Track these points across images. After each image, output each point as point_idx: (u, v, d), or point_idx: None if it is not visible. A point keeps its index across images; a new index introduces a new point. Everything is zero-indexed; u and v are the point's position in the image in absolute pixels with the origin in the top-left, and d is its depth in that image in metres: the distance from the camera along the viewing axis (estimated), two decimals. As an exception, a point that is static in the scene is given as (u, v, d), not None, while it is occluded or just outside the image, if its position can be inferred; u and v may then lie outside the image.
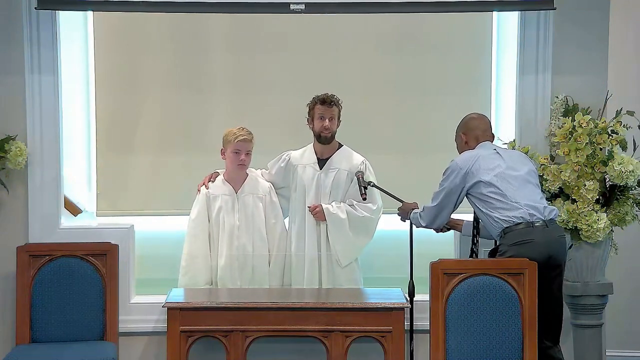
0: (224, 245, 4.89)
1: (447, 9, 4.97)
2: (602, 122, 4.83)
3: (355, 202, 4.90)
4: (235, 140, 4.84)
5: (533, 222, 4.38)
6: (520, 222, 4.38)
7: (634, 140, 4.88)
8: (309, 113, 4.94)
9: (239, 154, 4.87)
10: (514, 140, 5.05)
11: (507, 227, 4.40)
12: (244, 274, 4.90)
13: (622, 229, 4.91)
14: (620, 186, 4.80)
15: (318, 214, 4.90)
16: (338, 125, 4.94)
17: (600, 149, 4.82)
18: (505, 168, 4.50)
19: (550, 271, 4.41)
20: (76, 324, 4.77)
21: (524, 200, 4.42)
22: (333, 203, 4.91)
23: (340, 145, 5.02)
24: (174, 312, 4.49)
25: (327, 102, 4.87)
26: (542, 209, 4.43)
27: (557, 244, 4.44)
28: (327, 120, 4.88)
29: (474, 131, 4.68)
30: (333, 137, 4.94)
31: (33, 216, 5.01)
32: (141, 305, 5.08)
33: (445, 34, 5.34)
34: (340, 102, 4.92)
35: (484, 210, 4.46)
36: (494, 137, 4.76)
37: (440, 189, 4.56)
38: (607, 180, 4.84)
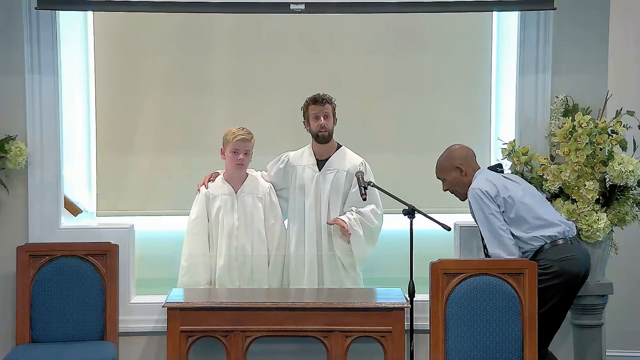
0: (223, 245, 4.89)
1: (447, 9, 4.96)
2: (602, 122, 4.83)
3: (361, 210, 4.89)
4: (234, 140, 4.84)
5: (570, 238, 4.50)
6: (560, 237, 4.47)
7: (634, 140, 4.88)
8: (304, 115, 4.95)
9: (237, 153, 4.86)
10: (514, 140, 5.05)
11: (546, 244, 4.45)
12: (242, 274, 4.90)
13: (622, 229, 4.90)
14: (620, 186, 4.80)
15: (344, 230, 4.86)
16: (335, 123, 4.94)
17: (600, 149, 4.82)
18: (526, 187, 4.59)
19: (580, 285, 4.51)
20: (76, 324, 4.77)
21: (555, 218, 4.49)
22: (348, 214, 4.90)
23: (339, 146, 5.02)
24: (174, 312, 4.49)
25: (318, 101, 4.88)
26: (571, 224, 4.56)
27: (589, 259, 4.58)
28: (322, 118, 4.88)
29: (469, 160, 4.71)
30: (331, 135, 4.94)
31: (33, 216, 5.01)
32: (141, 305, 5.07)
33: (445, 34, 5.34)
34: (333, 100, 4.91)
35: (520, 231, 4.47)
36: None
37: (485, 225, 4.49)
38: (607, 180, 4.84)
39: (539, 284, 4.35)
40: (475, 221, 4.58)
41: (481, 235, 4.61)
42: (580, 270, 4.46)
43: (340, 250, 4.92)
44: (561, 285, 4.42)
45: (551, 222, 4.49)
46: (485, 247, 4.61)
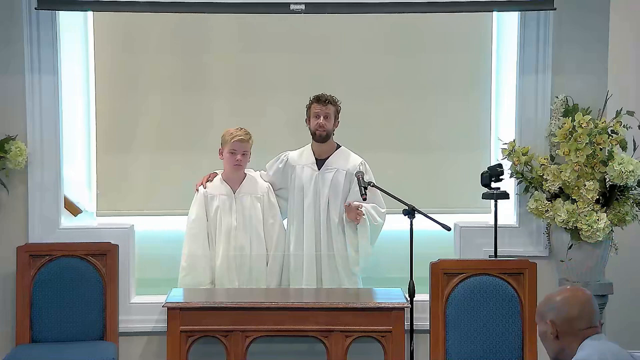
0: (221, 246, 4.88)
1: (447, 9, 4.97)
2: (602, 122, 4.83)
3: (366, 205, 4.86)
4: (232, 140, 4.82)
5: None
6: None
7: (634, 140, 4.88)
8: (306, 113, 4.95)
9: (235, 154, 4.85)
10: (514, 140, 5.05)
11: None
12: (241, 275, 4.89)
13: (622, 229, 4.90)
14: (620, 186, 4.80)
15: (359, 215, 4.80)
16: (336, 126, 4.93)
17: (600, 149, 4.81)
18: None
19: None
20: (76, 324, 4.78)
21: None
22: (363, 205, 4.83)
23: (338, 146, 5.01)
24: (174, 312, 4.49)
25: (322, 100, 4.88)
26: None
27: None
28: (322, 117, 4.87)
29: (572, 324, 3.20)
30: (328, 136, 4.93)
31: (33, 216, 5.01)
32: (141, 305, 5.07)
33: (445, 34, 5.33)
34: (338, 102, 4.91)
35: None
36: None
37: None
38: (607, 180, 4.83)
39: None
40: None
41: None
42: None
43: (350, 242, 4.87)
44: None
45: None
46: None
